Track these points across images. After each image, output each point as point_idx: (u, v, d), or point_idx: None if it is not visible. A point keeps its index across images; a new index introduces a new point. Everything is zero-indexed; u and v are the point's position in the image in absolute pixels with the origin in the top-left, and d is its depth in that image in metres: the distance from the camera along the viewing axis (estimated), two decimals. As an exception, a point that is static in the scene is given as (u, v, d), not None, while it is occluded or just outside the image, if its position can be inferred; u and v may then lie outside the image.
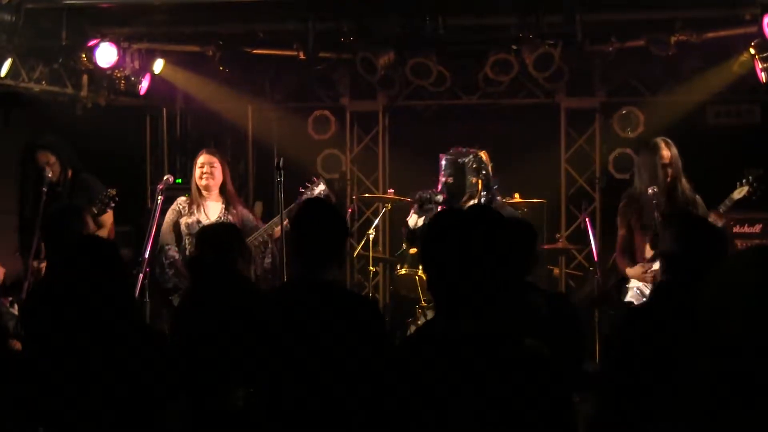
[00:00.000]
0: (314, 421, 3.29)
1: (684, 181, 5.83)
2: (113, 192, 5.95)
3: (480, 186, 5.88)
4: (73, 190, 6.32)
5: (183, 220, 6.18)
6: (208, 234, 4.65)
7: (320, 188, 6.22)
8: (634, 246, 5.82)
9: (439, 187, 5.99)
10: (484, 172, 5.90)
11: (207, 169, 6.19)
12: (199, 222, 6.09)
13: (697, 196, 5.81)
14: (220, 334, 3.91)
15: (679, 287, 3.35)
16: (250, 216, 6.39)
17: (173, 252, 6.10)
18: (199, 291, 4.45)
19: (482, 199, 5.87)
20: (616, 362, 3.27)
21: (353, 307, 3.47)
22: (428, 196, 5.93)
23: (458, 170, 5.89)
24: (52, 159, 6.27)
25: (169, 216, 6.23)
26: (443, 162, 5.99)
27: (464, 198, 5.89)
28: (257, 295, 4.50)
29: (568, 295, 7.77)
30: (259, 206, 9.17)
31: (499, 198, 5.97)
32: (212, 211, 6.20)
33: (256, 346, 3.45)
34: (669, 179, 5.76)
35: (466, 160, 5.88)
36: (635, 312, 3.94)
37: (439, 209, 5.85)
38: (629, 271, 5.76)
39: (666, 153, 5.78)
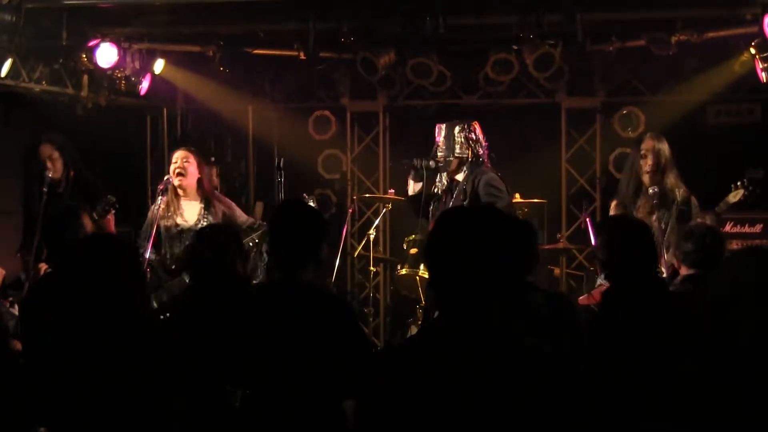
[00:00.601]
0: (292, 421, 3.29)
1: (672, 178, 5.77)
2: (113, 199, 5.88)
3: (470, 153, 6.03)
4: (75, 191, 6.29)
5: (162, 223, 6.04)
6: (207, 235, 4.64)
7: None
8: None
9: (432, 153, 6.15)
10: (473, 140, 6.07)
11: (180, 164, 5.99)
12: (177, 225, 5.98)
13: (693, 198, 5.76)
14: (217, 335, 3.92)
15: (616, 294, 3.35)
16: (234, 213, 6.16)
17: (147, 254, 6.00)
18: (198, 292, 4.44)
19: (469, 166, 6.04)
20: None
21: (325, 308, 3.47)
22: (421, 162, 6.06)
23: (449, 136, 6.06)
24: (55, 154, 6.21)
25: (148, 217, 6.12)
26: (437, 129, 6.18)
27: (453, 165, 6.05)
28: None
29: (568, 295, 7.76)
30: (259, 206, 9.17)
31: (487, 167, 6.07)
32: (190, 212, 6.05)
33: (239, 347, 3.47)
34: (649, 168, 5.70)
35: (457, 128, 6.07)
36: (589, 320, 3.96)
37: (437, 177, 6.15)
38: None
39: (648, 144, 5.76)
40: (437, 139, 6.13)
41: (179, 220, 6.02)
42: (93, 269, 3.18)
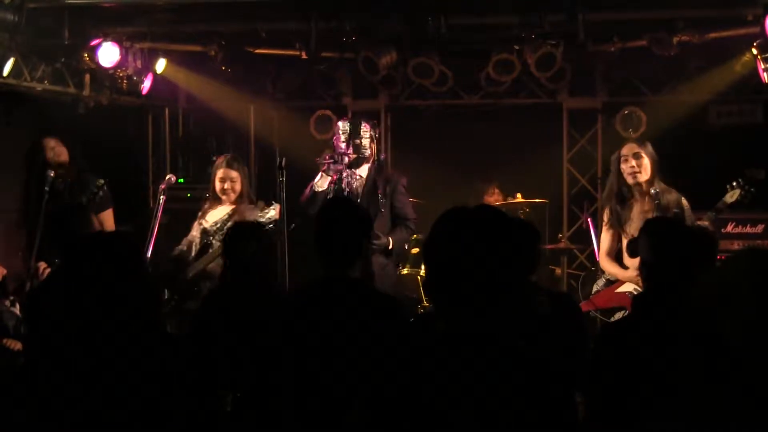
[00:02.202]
0: (336, 418, 3.29)
1: (661, 181, 5.75)
2: (101, 182, 5.87)
3: (373, 150, 6.25)
4: (76, 190, 6.25)
5: (197, 224, 6.17)
6: (240, 232, 4.59)
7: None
8: (620, 248, 5.80)
9: (344, 149, 6.21)
10: (375, 138, 6.29)
11: (228, 185, 6.10)
12: (200, 225, 6.10)
13: (683, 200, 5.75)
14: (248, 333, 3.92)
15: (658, 296, 3.34)
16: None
17: (148, 252, 6.04)
18: (231, 288, 4.39)
19: (375, 165, 6.27)
20: (602, 376, 3.26)
21: (381, 305, 3.47)
22: (333, 159, 6.14)
23: (357, 133, 6.20)
24: (60, 145, 6.20)
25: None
26: (342, 124, 6.31)
27: (362, 162, 6.22)
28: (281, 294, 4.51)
29: (572, 296, 7.76)
30: (260, 206, 9.16)
31: (393, 171, 6.33)
32: (216, 215, 6.13)
33: (280, 345, 3.46)
34: (636, 171, 5.67)
35: (365, 126, 6.23)
36: (619, 325, 3.93)
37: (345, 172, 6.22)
38: (621, 273, 5.72)
39: (627, 149, 5.75)
40: (340, 135, 6.23)
41: (203, 222, 6.11)
42: (94, 268, 3.16)
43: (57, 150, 6.12)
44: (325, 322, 3.39)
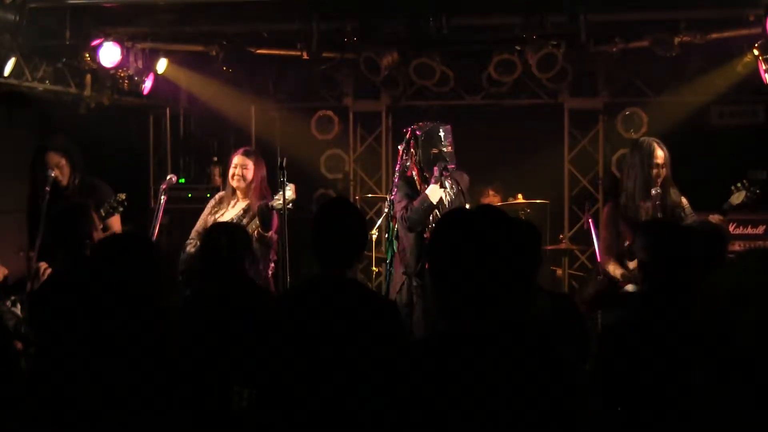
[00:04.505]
0: (332, 420, 3.29)
1: (671, 183, 5.74)
2: (123, 196, 5.90)
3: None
4: (81, 194, 6.25)
5: (209, 218, 6.14)
6: (216, 233, 4.63)
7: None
8: (621, 249, 5.77)
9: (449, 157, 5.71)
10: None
11: (239, 171, 6.13)
12: (215, 221, 6.05)
13: (683, 199, 5.73)
14: (225, 334, 3.93)
15: (657, 297, 3.33)
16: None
17: (191, 248, 6.07)
18: (207, 289, 4.43)
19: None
20: (604, 377, 3.26)
21: (374, 306, 3.48)
22: (446, 169, 5.62)
23: (449, 139, 5.79)
24: (63, 161, 6.20)
25: (205, 210, 6.24)
26: (447, 131, 5.78)
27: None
28: (264, 295, 4.52)
29: (572, 297, 7.76)
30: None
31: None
32: (232, 211, 6.13)
33: (268, 345, 3.46)
34: (661, 180, 5.65)
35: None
36: (618, 325, 3.92)
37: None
38: (622, 273, 5.69)
39: (660, 153, 5.69)
40: (449, 140, 5.76)
41: (218, 216, 6.09)
42: (112, 269, 3.15)
43: (57, 174, 6.11)
44: (311, 320, 3.40)
